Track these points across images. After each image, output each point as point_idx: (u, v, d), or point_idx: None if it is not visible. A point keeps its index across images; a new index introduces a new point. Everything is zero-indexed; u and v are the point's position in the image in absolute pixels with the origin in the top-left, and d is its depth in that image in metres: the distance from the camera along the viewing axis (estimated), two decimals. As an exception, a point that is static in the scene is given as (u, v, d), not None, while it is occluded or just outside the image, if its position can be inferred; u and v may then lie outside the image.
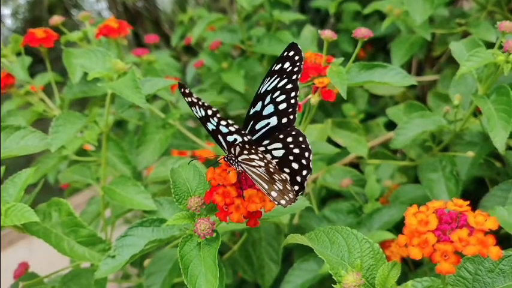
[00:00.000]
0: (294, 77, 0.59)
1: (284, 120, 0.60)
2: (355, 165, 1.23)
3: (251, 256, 0.99)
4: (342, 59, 0.82)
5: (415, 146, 1.08)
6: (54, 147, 0.72)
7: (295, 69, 0.59)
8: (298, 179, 0.58)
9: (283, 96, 0.60)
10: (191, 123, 1.65)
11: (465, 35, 1.24)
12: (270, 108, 0.60)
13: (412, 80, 0.79)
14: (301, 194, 0.60)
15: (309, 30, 1.46)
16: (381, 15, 1.55)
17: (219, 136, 0.57)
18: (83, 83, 0.98)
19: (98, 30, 1.02)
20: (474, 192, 1.22)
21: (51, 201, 0.74)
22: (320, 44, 1.32)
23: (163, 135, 1.02)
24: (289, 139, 0.59)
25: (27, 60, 1.05)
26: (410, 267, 1.02)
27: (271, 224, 0.96)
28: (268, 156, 0.59)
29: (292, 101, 0.60)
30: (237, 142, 0.56)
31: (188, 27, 1.73)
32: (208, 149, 1.11)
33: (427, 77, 1.45)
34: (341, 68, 0.79)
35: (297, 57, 0.59)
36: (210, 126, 0.56)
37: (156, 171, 0.95)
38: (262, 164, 0.54)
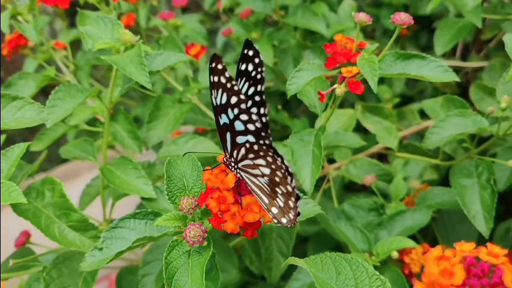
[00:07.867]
0: (259, 88, 0.50)
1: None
2: (383, 154, 1.15)
3: (259, 247, 0.93)
4: (375, 45, 0.72)
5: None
6: (50, 123, 0.66)
7: (259, 76, 0.50)
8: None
9: (255, 109, 0.51)
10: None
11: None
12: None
13: (454, 75, 0.69)
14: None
15: (348, 4, 1.36)
16: (428, -10, 1.42)
17: (228, 133, 0.49)
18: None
19: (116, -8, 0.95)
20: (509, 195, 1.11)
21: (45, 179, 0.69)
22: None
23: (178, 111, 0.95)
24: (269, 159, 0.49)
25: (42, 20, 0.99)
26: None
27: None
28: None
29: (263, 119, 0.51)
30: (245, 143, 0.48)
31: (224, -12, 1.63)
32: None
33: (473, 63, 1.33)
34: (373, 56, 0.70)
35: (257, 60, 0.50)
36: (224, 119, 0.48)
37: (165, 150, 0.89)
38: (267, 171, 0.47)
